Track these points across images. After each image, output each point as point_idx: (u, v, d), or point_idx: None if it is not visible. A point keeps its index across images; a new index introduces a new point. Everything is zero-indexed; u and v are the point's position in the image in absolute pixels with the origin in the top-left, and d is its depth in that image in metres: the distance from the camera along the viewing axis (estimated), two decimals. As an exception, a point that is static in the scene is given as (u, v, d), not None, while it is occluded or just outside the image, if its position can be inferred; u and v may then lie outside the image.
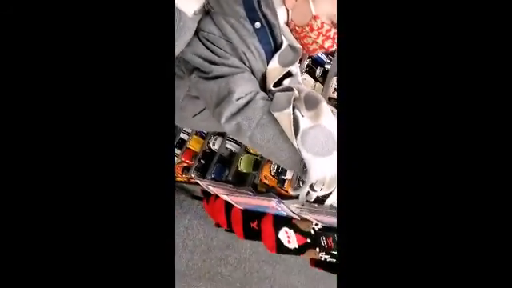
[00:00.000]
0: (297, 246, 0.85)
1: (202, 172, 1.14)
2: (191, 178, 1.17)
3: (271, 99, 0.58)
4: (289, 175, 0.85)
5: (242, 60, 0.59)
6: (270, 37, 0.61)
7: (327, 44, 0.62)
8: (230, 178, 0.97)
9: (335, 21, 0.58)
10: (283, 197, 0.83)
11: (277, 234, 0.88)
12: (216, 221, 1.16)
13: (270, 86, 0.62)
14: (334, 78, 0.88)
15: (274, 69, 0.63)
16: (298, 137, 0.52)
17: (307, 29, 0.60)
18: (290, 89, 0.60)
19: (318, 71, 1.00)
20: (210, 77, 0.59)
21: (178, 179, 1.30)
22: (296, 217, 0.84)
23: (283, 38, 0.62)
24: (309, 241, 0.82)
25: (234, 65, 0.59)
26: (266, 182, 0.88)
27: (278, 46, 0.63)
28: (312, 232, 0.82)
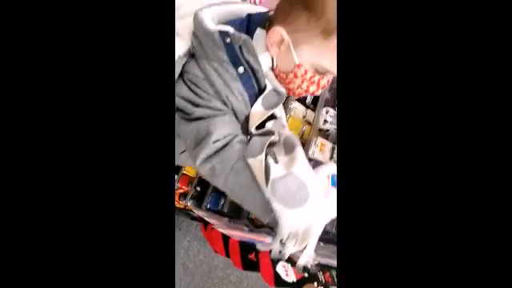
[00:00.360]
0: (295, 280, 0.85)
1: (198, 200, 1.14)
2: (187, 206, 1.17)
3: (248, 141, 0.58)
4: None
5: (224, 103, 0.59)
6: (254, 81, 0.61)
7: (312, 89, 0.62)
8: (226, 210, 0.97)
9: (319, 68, 0.57)
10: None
11: (274, 267, 0.87)
12: (214, 248, 1.16)
13: (252, 128, 0.62)
14: (324, 109, 0.87)
15: (257, 112, 0.62)
16: (269, 185, 0.50)
17: (291, 76, 0.60)
18: (270, 132, 0.60)
19: (309, 98, 0.99)
20: (191, 118, 0.59)
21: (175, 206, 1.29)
22: (292, 252, 0.84)
23: (267, 81, 0.62)
24: (306, 275, 0.82)
25: (216, 107, 0.59)
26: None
27: (261, 90, 0.63)
28: (309, 267, 0.81)
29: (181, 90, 0.59)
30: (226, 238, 1.05)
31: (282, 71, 0.60)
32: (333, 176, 0.54)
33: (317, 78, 0.59)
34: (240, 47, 0.55)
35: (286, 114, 1.00)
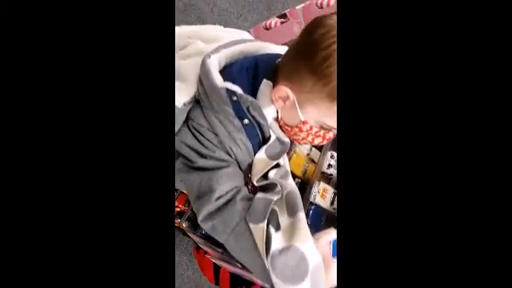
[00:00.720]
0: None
1: (194, 222, 1.13)
2: (182, 227, 1.16)
3: (252, 198, 0.57)
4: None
5: (228, 153, 0.59)
6: (258, 130, 0.60)
7: (317, 141, 0.61)
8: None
9: (324, 126, 0.57)
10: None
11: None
12: (203, 274, 1.15)
13: (255, 179, 0.61)
14: (329, 153, 0.86)
15: (261, 160, 0.62)
16: (269, 258, 0.50)
17: (296, 130, 0.59)
18: (273, 186, 0.60)
19: (316, 135, 0.99)
20: (194, 167, 0.58)
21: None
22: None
23: (271, 132, 0.62)
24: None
25: (220, 158, 0.58)
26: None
27: (265, 140, 0.63)
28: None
29: (185, 136, 0.59)
30: (217, 268, 1.04)
31: (287, 124, 0.60)
32: (333, 242, 0.54)
33: (322, 132, 0.59)
34: (247, 107, 0.55)
35: (291, 150, 1.00)
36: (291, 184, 0.63)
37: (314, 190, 0.81)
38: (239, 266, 0.88)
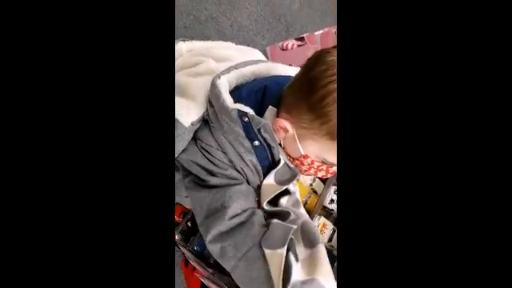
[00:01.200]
0: None
1: (187, 236, 1.11)
2: (175, 239, 1.14)
3: (267, 224, 0.56)
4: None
5: (239, 172, 0.58)
6: (269, 153, 0.60)
7: (320, 174, 0.61)
8: (212, 261, 0.94)
9: (326, 162, 0.56)
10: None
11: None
12: (190, 290, 1.12)
13: (264, 203, 0.60)
14: (333, 188, 0.86)
15: (270, 185, 0.61)
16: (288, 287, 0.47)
17: (297, 162, 0.59)
18: (286, 213, 0.58)
19: (321, 166, 0.98)
20: (205, 185, 0.57)
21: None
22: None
23: (281, 156, 0.62)
24: None
25: (232, 176, 0.57)
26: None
27: (275, 163, 0.62)
28: None
29: (195, 156, 0.58)
30: (204, 286, 1.02)
31: (289, 155, 0.59)
32: None
33: (325, 166, 0.58)
34: (258, 129, 0.55)
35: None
36: (304, 214, 0.62)
37: (314, 223, 0.80)
38: (228, 290, 0.86)
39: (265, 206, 0.60)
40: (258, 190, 0.62)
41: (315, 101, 0.48)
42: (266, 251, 0.49)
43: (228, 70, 0.59)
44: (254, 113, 0.55)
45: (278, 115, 0.57)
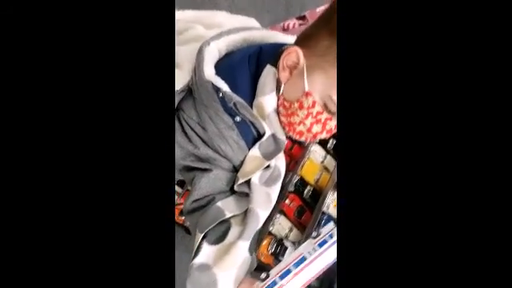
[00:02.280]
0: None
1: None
2: (186, 224, 1.14)
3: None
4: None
5: (216, 151, 0.57)
6: (252, 128, 0.58)
7: (315, 129, 0.58)
8: (226, 243, 0.94)
9: (328, 105, 0.54)
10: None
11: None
12: None
13: (241, 180, 0.59)
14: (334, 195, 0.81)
15: (254, 158, 0.60)
16: (190, 265, 0.55)
17: (296, 105, 0.57)
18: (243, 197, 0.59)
19: (330, 143, 0.96)
20: (178, 164, 0.57)
21: (176, 220, 1.27)
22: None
23: (266, 128, 0.58)
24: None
25: (204, 156, 0.56)
26: (262, 258, 0.84)
27: (260, 135, 0.60)
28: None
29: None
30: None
31: (288, 100, 0.56)
32: None
33: (323, 116, 0.56)
34: (234, 104, 0.53)
35: (305, 157, 0.97)
36: (266, 199, 0.59)
37: (328, 199, 0.78)
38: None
39: (237, 183, 0.59)
40: (240, 165, 0.60)
41: (336, 25, 0.47)
42: (196, 233, 0.55)
43: (218, 36, 0.57)
44: (228, 89, 0.53)
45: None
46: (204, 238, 0.55)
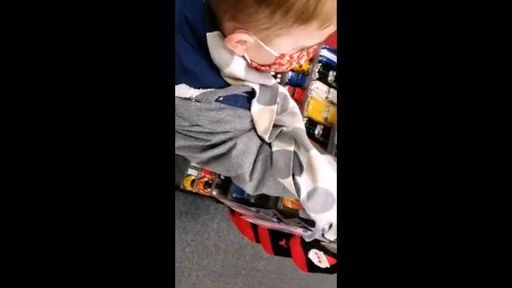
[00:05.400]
0: (328, 266, 0.85)
1: (224, 188, 1.14)
2: (213, 195, 1.17)
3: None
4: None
5: (225, 133, 0.53)
6: (238, 96, 0.52)
7: (303, 60, 0.53)
8: (252, 200, 0.96)
9: (305, 47, 0.49)
10: (311, 221, 0.82)
11: (306, 254, 0.87)
12: (243, 235, 1.17)
13: (267, 137, 0.56)
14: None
15: (260, 111, 0.54)
16: (300, 201, 0.53)
17: (275, 66, 0.52)
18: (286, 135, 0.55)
19: (331, 75, 0.92)
20: (204, 162, 0.55)
21: (201, 193, 1.31)
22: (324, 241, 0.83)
23: (251, 84, 0.52)
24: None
25: (220, 141, 0.53)
26: (289, 205, 0.86)
27: (252, 94, 0.54)
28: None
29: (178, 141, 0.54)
30: (254, 226, 1.05)
31: (263, 65, 0.51)
32: None
33: (305, 51, 0.51)
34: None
35: (308, 96, 0.94)
36: (293, 120, 0.59)
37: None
38: (275, 220, 0.88)
39: (268, 140, 0.56)
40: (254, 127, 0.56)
41: None
42: (280, 180, 0.53)
43: None
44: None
45: (223, 32, 0.47)
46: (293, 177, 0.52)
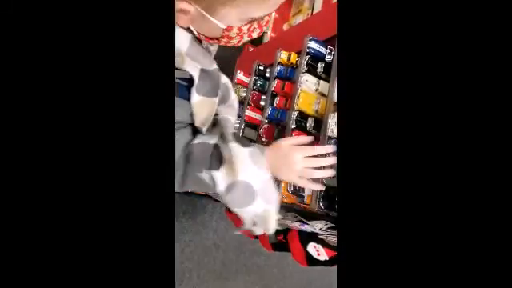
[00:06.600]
0: (327, 258, 0.85)
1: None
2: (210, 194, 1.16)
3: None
4: (307, 191, 0.81)
5: None
6: (176, 84, 0.49)
7: (255, 34, 0.50)
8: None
9: (254, 19, 0.46)
10: (307, 214, 0.81)
11: (305, 248, 0.87)
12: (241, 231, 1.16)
13: (205, 128, 0.53)
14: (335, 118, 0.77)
15: (200, 103, 0.51)
16: (220, 197, 0.52)
17: (225, 39, 0.49)
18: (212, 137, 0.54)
19: (320, 67, 0.91)
20: None
21: (197, 193, 1.29)
22: (322, 234, 0.83)
23: (190, 70, 0.48)
24: (339, 254, 0.81)
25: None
26: (285, 200, 0.85)
27: (191, 81, 0.49)
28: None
29: None
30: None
31: (211, 38, 0.48)
32: None
33: (256, 23, 0.48)
34: None
35: (298, 89, 0.93)
36: (229, 109, 0.57)
37: (330, 122, 0.76)
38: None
39: (205, 130, 0.53)
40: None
41: None
42: (198, 175, 0.52)
43: None
44: None
45: None
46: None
